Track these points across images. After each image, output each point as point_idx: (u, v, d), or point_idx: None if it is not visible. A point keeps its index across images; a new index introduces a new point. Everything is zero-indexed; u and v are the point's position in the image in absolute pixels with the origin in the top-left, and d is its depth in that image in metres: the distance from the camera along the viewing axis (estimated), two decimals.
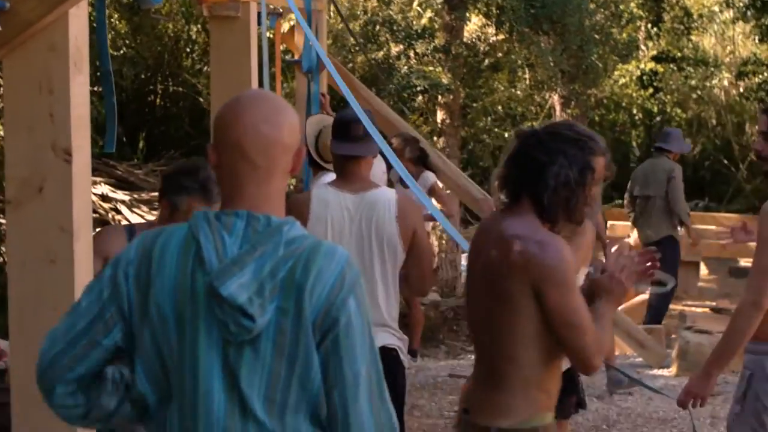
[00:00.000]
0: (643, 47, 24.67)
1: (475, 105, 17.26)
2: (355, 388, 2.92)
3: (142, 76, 20.36)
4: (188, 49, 20.83)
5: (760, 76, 24.10)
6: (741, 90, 25.27)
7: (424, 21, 17.29)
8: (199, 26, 20.05)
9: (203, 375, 2.94)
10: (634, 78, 24.19)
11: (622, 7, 18.04)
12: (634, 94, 24.47)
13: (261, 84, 8.85)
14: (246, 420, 2.94)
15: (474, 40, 15.98)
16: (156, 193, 13.09)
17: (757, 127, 5.45)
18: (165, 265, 2.98)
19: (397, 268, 5.84)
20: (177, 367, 2.97)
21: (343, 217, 5.81)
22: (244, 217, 2.97)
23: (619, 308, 13.10)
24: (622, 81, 23.98)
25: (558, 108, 20.59)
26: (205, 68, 19.44)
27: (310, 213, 5.78)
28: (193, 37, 20.61)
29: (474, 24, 16.51)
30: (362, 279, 3.03)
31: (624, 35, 18.11)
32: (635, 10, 23.01)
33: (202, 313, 2.94)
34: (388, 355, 5.69)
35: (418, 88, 14.83)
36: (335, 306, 2.93)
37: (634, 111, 24.75)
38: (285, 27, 13.47)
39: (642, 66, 24.24)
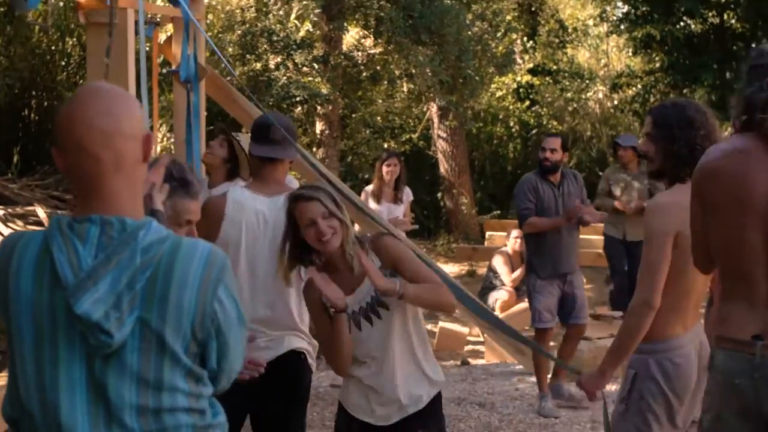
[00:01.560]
0: (519, 60, 24.95)
1: (354, 116, 17.25)
2: (236, 354, 3.12)
3: (16, 90, 19.97)
4: (63, 63, 20.50)
5: (634, 89, 24.51)
6: (615, 102, 25.66)
7: (302, 33, 17.25)
8: (74, 39, 19.74)
9: (64, 390, 2.89)
10: (510, 90, 24.44)
11: (499, 18, 18.20)
12: (511, 107, 24.71)
13: (139, 93, 8.72)
14: (111, 430, 2.91)
15: (353, 50, 15.99)
16: (31, 207, 12.84)
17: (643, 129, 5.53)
18: (21, 281, 2.91)
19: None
20: (36, 385, 2.91)
21: (258, 220, 5.82)
22: (98, 222, 2.90)
23: (501, 315, 13.20)
24: (499, 93, 24.21)
25: (436, 120, 20.73)
26: (81, 81, 19.14)
27: (225, 216, 5.83)
28: (69, 50, 20.28)
29: (352, 36, 16.53)
30: (229, 263, 3.06)
31: (501, 48, 18.28)
32: (512, 22, 23.29)
33: (62, 327, 2.88)
34: (296, 357, 5.91)
35: (297, 98, 14.78)
36: (208, 303, 2.97)
37: (511, 123, 24.97)
38: (162, 37, 13.31)
39: (518, 79, 24.50)
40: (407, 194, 12.18)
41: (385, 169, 11.91)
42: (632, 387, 5.21)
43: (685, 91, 23.62)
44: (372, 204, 11.61)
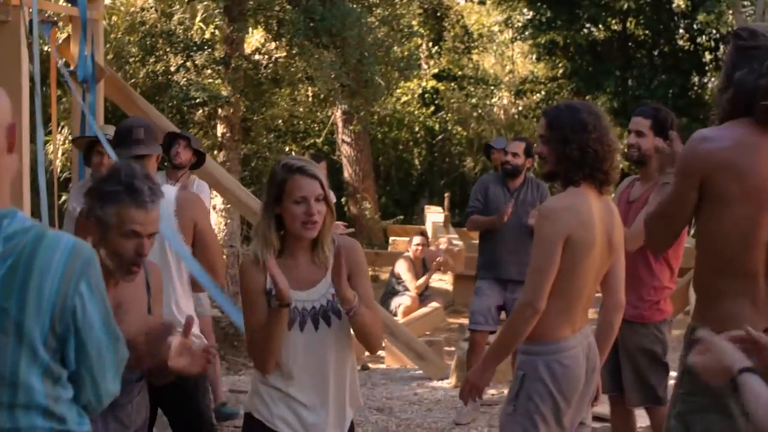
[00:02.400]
0: (424, 65, 25.01)
1: (255, 119, 17.14)
2: (101, 364, 3.02)
3: None
4: None
5: (538, 95, 24.69)
6: (520, 108, 25.84)
7: (207, 35, 17.09)
8: None
9: None
10: (415, 96, 24.49)
11: (403, 22, 18.18)
12: (416, 112, 24.76)
13: (33, 93, 8.55)
14: None
15: (255, 53, 15.88)
16: None
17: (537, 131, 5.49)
18: None
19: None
20: None
21: None
22: None
23: (402, 320, 13.20)
24: (404, 99, 24.24)
25: (341, 124, 20.68)
26: None
27: None
28: None
29: (256, 38, 16.42)
30: (96, 261, 3.01)
31: (405, 51, 18.29)
32: (416, 27, 23.32)
33: None
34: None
35: (197, 100, 14.63)
36: (69, 295, 2.90)
37: (416, 129, 25.02)
38: (61, 37, 13.12)
39: (423, 84, 24.56)
40: (332, 197, 11.97)
41: None
42: (520, 388, 5.20)
43: (588, 97, 23.84)
44: None
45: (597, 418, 8.53)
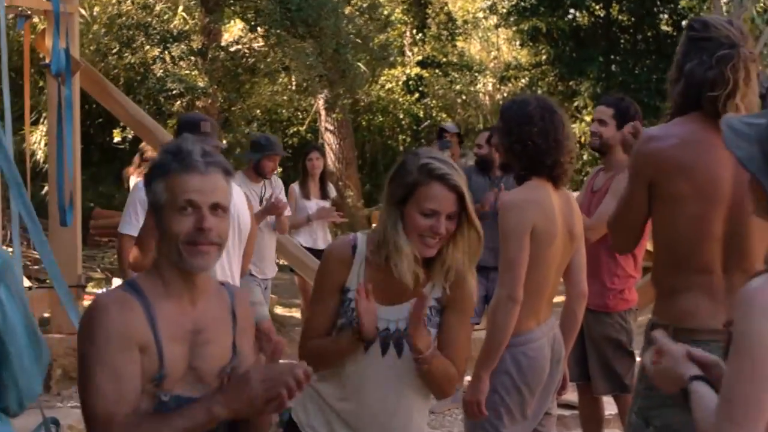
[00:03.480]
0: (408, 53, 24.96)
1: (233, 109, 17.11)
2: (23, 370, 3.05)
3: None
4: None
5: (522, 81, 24.65)
6: (505, 94, 25.79)
7: (188, 26, 17.05)
8: None
9: None
10: (400, 83, 24.44)
11: (382, 11, 18.15)
12: (401, 99, 24.70)
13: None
14: None
15: (232, 43, 15.86)
16: None
17: None
18: None
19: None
20: None
21: None
22: None
23: None
24: (388, 86, 24.19)
25: (323, 112, 20.65)
26: None
27: None
28: None
29: (239, 28, 16.40)
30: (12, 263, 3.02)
31: (384, 39, 18.24)
32: (400, 15, 23.26)
33: None
34: None
35: (174, 92, 14.60)
36: None
37: (401, 116, 24.97)
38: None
39: (408, 71, 24.51)
40: (331, 189, 11.90)
41: (308, 163, 11.52)
42: None
43: (571, 83, 23.82)
44: (301, 201, 11.30)
45: (566, 405, 8.56)
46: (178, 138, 3.42)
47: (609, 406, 7.38)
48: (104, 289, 14.18)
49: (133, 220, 7.83)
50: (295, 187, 11.41)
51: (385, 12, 20.98)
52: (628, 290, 6.92)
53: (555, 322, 5.38)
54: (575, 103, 23.42)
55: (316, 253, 10.48)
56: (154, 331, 3.00)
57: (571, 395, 7.33)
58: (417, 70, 24.52)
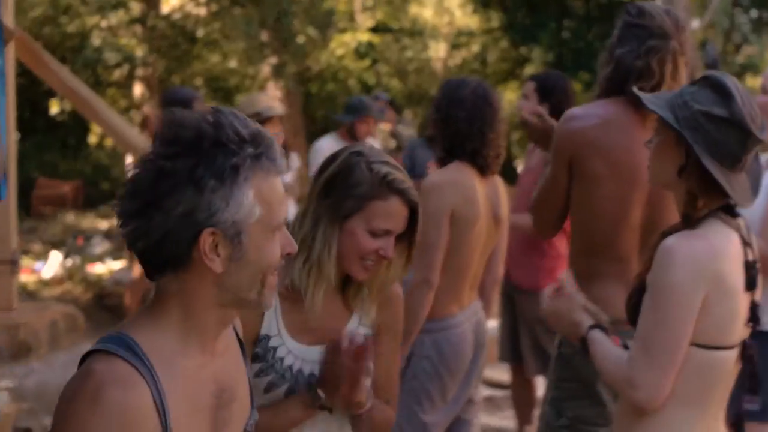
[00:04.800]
0: (359, 18, 24.82)
1: (173, 78, 16.93)
2: None
3: None
4: None
5: (474, 48, 24.59)
6: (457, 61, 25.74)
7: None
8: None
9: None
10: (350, 50, 24.29)
11: None
12: (352, 66, 24.56)
13: None
14: None
15: (173, 11, 15.67)
16: None
17: None
18: None
19: None
20: None
21: None
22: None
23: None
24: (339, 52, 24.04)
25: (272, 80, 20.48)
26: None
27: None
28: None
29: None
30: None
31: (333, 5, 18.08)
32: None
33: None
34: None
35: (112, 62, 14.42)
36: None
37: (353, 83, 24.85)
38: None
39: (359, 38, 24.37)
40: (293, 160, 11.69)
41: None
42: (407, 366, 5.14)
43: (523, 50, 23.77)
44: None
45: (498, 386, 8.53)
46: (221, 114, 2.27)
47: (541, 388, 7.32)
48: (41, 264, 13.95)
49: None
50: None
51: None
52: (560, 270, 6.84)
53: (479, 306, 5.32)
54: (527, 71, 23.37)
55: None
56: (164, 420, 2.21)
57: (503, 375, 7.29)
58: (368, 36, 24.36)
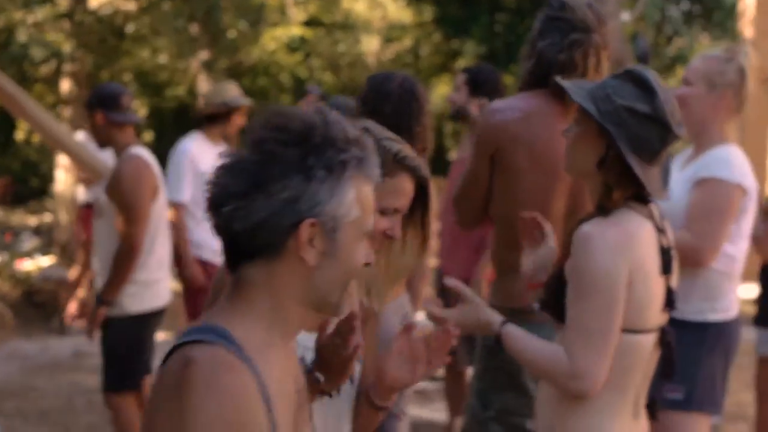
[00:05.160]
0: (291, 12, 24.70)
1: (101, 73, 16.75)
2: None
3: None
4: None
5: (407, 41, 24.57)
6: (390, 55, 25.71)
7: None
8: None
9: None
10: (282, 44, 24.17)
11: None
12: (284, 60, 24.45)
13: None
14: None
15: (101, 7, 15.48)
16: None
17: None
18: None
19: None
20: None
21: None
22: None
23: None
24: (271, 47, 23.92)
25: (202, 75, 20.35)
26: None
27: None
28: None
29: None
30: None
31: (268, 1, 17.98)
32: None
33: None
34: None
35: (39, 58, 14.22)
36: None
37: (285, 77, 24.74)
38: None
39: (291, 32, 24.25)
40: None
41: None
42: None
43: (455, 43, 23.77)
44: None
45: (430, 378, 8.52)
46: (328, 112, 2.28)
47: None
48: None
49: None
50: None
51: None
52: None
53: (406, 299, 5.29)
54: (459, 64, 23.38)
55: None
56: (268, 406, 2.18)
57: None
58: (300, 30, 24.25)
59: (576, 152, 3.37)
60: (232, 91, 7.98)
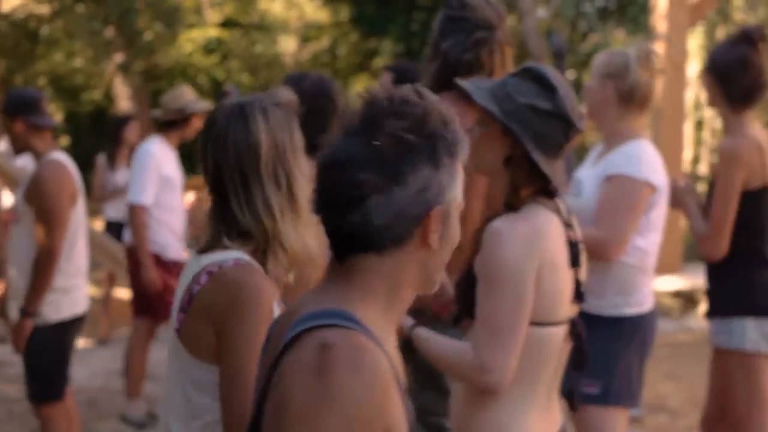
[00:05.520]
0: (207, 14, 24.58)
1: (15, 78, 16.54)
2: None
3: None
4: None
5: (324, 41, 24.55)
6: (308, 55, 25.67)
7: None
8: None
9: None
10: (199, 45, 24.05)
11: None
12: (201, 62, 24.33)
13: None
14: None
15: (15, 11, 15.31)
16: None
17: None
18: None
19: None
20: None
21: None
22: None
23: None
24: (187, 48, 23.79)
25: (118, 78, 20.20)
26: None
27: None
28: None
29: None
30: None
31: (183, 1, 17.83)
32: None
33: None
34: None
35: None
36: None
37: (202, 79, 24.62)
38: None
39: (207, 33, 24.14)
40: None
41: (128, 134, 10.94)
42: None
43: (372, 42, 23.81)
44: (109, 173, 10.84)
45: None
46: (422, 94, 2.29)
47: None
48: None
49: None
50: (103, 158, 10.98)
51: None
52: None
53: None
54: (377, 63, 23.43)
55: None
56: (404, 398, 2.28)
57: None
58: (217, 31, 24.15)
59: (481, 152, 3.36)
60: (188, 96, 8.03)
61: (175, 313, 2.96)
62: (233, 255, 2.93)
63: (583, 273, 3.41)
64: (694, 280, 12.17)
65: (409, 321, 3.52)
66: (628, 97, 4.97)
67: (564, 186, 3.35)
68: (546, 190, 3.35)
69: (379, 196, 2.15)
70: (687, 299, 11.77)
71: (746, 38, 5.40)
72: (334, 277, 2.26)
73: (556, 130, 3.27)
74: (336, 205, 2.18)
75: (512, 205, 3.33)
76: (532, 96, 3.26)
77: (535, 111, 3.25)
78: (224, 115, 3.03)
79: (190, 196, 9.42)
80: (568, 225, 3.37)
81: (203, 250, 3.00)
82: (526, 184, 3.31)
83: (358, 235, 2.19)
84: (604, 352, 4.85)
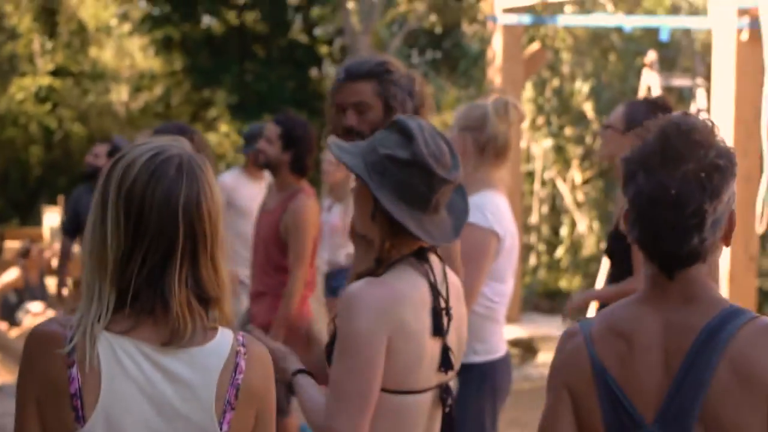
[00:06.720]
0: (39, 62, 24.27)
1: None
2: None
3: None
4: None
5: (157, 90, 24.45)
6: (141, 104, 25.53)
7: None
8: None
9: None
10: (31, 94, 23.70)
11: (8, 20, 17.51)
12: (33, 110, 23.94)
13: None
14: None
15: None
16: None
17: None
18: None
19: None
20: None
21: None
22: None
23: None
24: (19, 97, 23.42)
25: None
26: None
27: None
28: None
29: None
30: None
31: (12, 49, 17.56)
32: (29, 23, 22.61)
33: None
34: None
35: None
36: None
37: (34, 127, 24.23)
38: None
39: (39, 81, 23.81)
40: None
41: None
42: None
43: (206, 92, 23.81)
44: None
45: None
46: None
47: None
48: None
49: None
50: None
51: (13, 22, 20.27)
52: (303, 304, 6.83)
53: None
54: (211, 114, 23.46)
55: None
56: None
57: None
58: (48, 79, 23.83)
59: (356, 209, 3.34)
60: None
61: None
62: None
63: (453, 341, 3.31)
64: (533, 329, 12.42)
65: (293, 367, 3.45)
66: (486, 148, 5.10)
67: (444, 239, 3.27)
68: (420, 252, 3.27)
69: (711, 216, 2.58)
70: (526, 348, 11.99)
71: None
72: (661, 290, 2.69)
73: (415, 179, 3.17)
74: (675, 235, 2.59)
75: (381, 262, 3.25)
76: (392, 146, 3.19)
77: (393, 160, 3.17)
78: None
79: None
80: (436, 291, 3.25)
81: None
82: (391, 239, 3.22)
83: (695, 254, 2.61)
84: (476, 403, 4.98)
